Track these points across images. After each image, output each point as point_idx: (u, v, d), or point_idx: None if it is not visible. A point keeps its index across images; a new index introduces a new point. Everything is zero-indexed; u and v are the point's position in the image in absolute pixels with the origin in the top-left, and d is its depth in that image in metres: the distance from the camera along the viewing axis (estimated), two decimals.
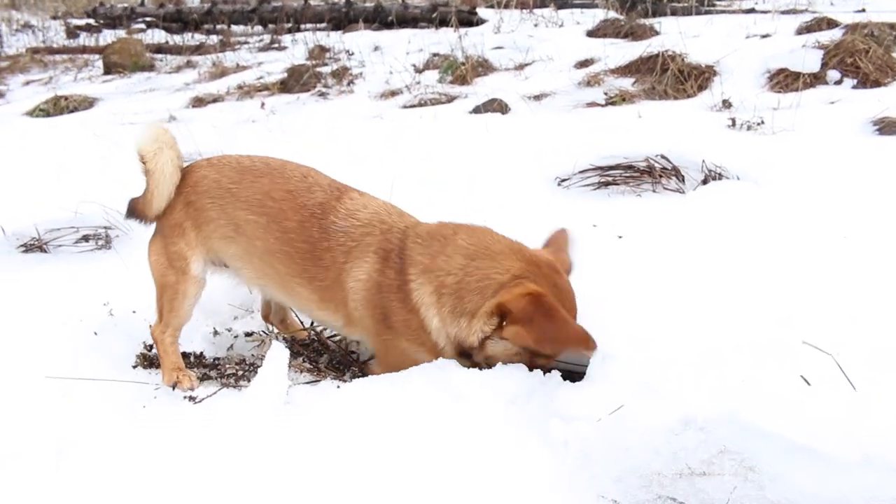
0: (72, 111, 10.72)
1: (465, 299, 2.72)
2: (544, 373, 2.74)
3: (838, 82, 7.09)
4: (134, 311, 3.86)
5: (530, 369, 2.72)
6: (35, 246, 4.87)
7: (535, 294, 2.60)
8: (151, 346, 3.51)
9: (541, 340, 2.61)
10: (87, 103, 11.01)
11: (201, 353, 3.50)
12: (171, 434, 2.67)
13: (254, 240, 3.06)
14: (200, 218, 3.15)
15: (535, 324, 2.57)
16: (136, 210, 3.28)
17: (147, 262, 3.32)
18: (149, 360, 3.42)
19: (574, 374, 2.78)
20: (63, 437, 2.69)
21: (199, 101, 10.42)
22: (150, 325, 3.35)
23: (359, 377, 2.97)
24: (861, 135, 5.56)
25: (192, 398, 3.00)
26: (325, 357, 3.33)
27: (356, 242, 2.93)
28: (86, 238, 4.97)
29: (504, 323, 2.65)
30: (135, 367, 3.39)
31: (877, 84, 6.91)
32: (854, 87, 6.97)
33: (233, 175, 3.17)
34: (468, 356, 2.82)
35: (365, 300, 2.89)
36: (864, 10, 10.67)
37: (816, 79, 7.20)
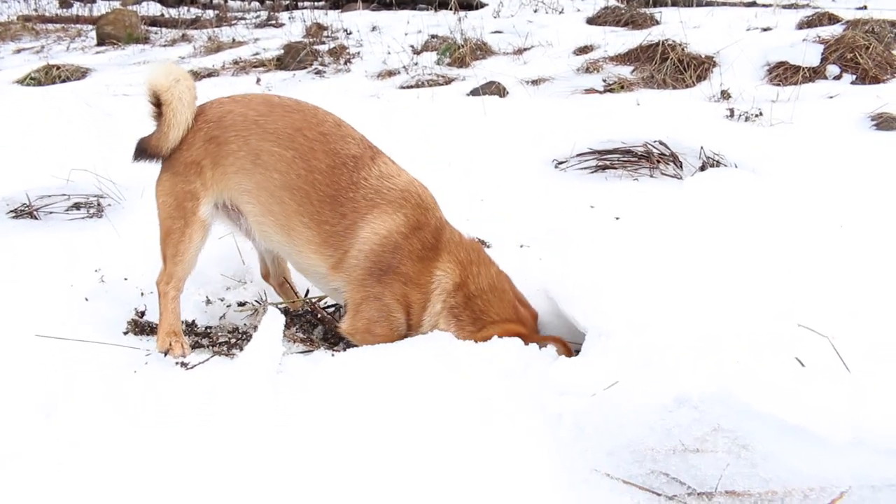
0: (64, 81, 10.61)
1: (466, 312, 3.05)
2: (540, 347, 2.77)
3: (837, 77, 7.11)
4: (126, 279, 3.84)
5: None
6: (25, 212, 4.82)
7: (518, 333, 3.01)
8: (143, 313, 3.50)
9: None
10: (79, 73, 10.90)
11: (193, 321, 3.48)
12: (161, 398, 2.66)
13: (272, 172, 3.06)
14: (220, 153, 3.10)
15: None
16: (147, 147, 3.19)
17: (154, 202, 3.25)
18: (140, 327, 3.40)
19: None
20: (52, 395, 2.67)
21: (194, 76, 10.33)
22: (155, 278, 3.30)
23: (353, 348, 2.96)
24: (858, 129, 5.58)
25: (183, 364, 2.99)
26: (319, 329, 3.32)
27: (387, 202, 3.03)
28: (77, 206, 4.93)
29: None
30: (126, 333, 3.38)
31: (876, 80, 6.93)
32: (853, 82, 6.99)
33: (261, 108, 3.15)
34: None
35: (372, 251, 2.98)
36: (865, 7, 10.68)
37: (816, 73, 7.22)
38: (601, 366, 2.61)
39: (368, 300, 3.00)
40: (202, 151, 3.11)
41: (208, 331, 3.41)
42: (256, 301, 3.68)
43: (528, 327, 3.10)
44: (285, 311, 3.48)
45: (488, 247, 4.11)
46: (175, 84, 3.07)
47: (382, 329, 3.03)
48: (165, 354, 3.10)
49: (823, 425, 2.27)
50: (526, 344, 2.90)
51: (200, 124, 3.14)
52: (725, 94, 6.99)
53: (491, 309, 3.05)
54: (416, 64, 9.55)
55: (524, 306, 3.22)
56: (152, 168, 3.29)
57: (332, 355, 2.85)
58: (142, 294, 3.72)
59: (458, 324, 3.03)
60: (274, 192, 3.07)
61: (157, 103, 3.11)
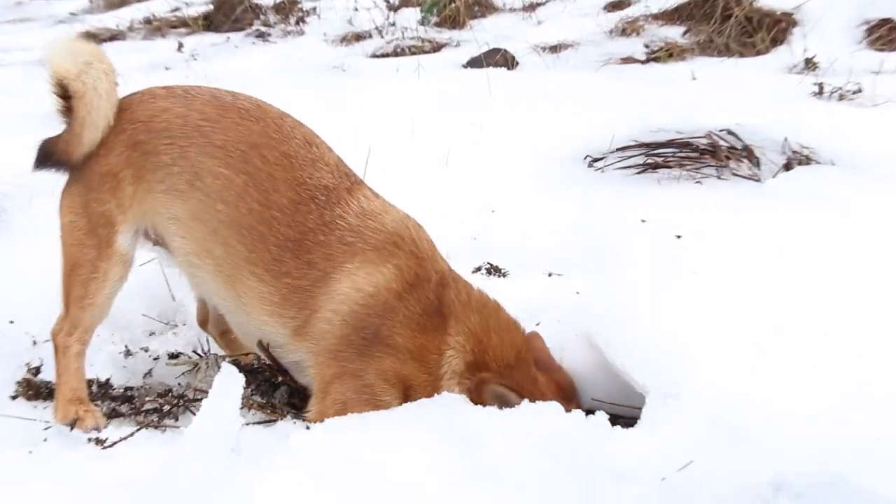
0: None
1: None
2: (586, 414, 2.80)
3: None
4: (11, 322, 3.82)
5: None
6: None
7: None
8: (38, 369, 3.48)
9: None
10: None
11: (107, 380, 3.47)
12: (68, 491, 2.64)
13: (215, 202, 3.05)
14: (146, 164, 3.09)
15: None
16: (54, 152, 3.16)
17: (59, 223, 3.21)
18: (34, 389, 3.38)
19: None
20: None
21: (90, 39, 10.34)
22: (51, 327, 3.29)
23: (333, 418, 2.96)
24: None
25: (98, 441, 2.97)
26: (282, 390, 3.32)
27: (372, 248, 3.04)
28: None
29: None
30: (14, 397, 3.36)
31: None
32: None
33: (208, 110, 3.14)
34: None
35: (353, 314, 2.97)
36: None
37: None
38: (669, 439, 2.63)
39: (343, 378, 2.99)
40: (122, 160, 3.10)
41: (129, 393, 3.39)
42: (197, 352, 3.67)
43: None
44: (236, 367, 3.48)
45: (504, 275, 4.14)
46: (87, 69, 3.04)
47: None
48: (72, 427, 3.08)
49: None
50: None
51: (124, 124, 3.13)
52: (811, 64, 7.11)
53: (521, 386, 3.03)
54: (392, 24, 9.65)
55: (552, 372, 3.25)
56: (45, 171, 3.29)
57: (307, 427, 2.84)
58: (34, 343, 3.69)
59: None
60: (216, 228, 3.06)
61: (65, 95, 3.09)
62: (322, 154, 3.20)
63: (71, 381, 3.19)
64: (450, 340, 3.05)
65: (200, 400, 3.23)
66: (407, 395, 3.02)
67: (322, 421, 2.91)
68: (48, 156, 3.18)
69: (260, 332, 3.17)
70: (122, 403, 3.32)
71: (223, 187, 3.04)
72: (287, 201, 3.04)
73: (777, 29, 8.03)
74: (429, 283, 3.07)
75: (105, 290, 3.18)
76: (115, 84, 3.14)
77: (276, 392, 3.35)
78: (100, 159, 3.12)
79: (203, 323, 3.70)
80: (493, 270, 4.20)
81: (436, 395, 2.98)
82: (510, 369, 3.04)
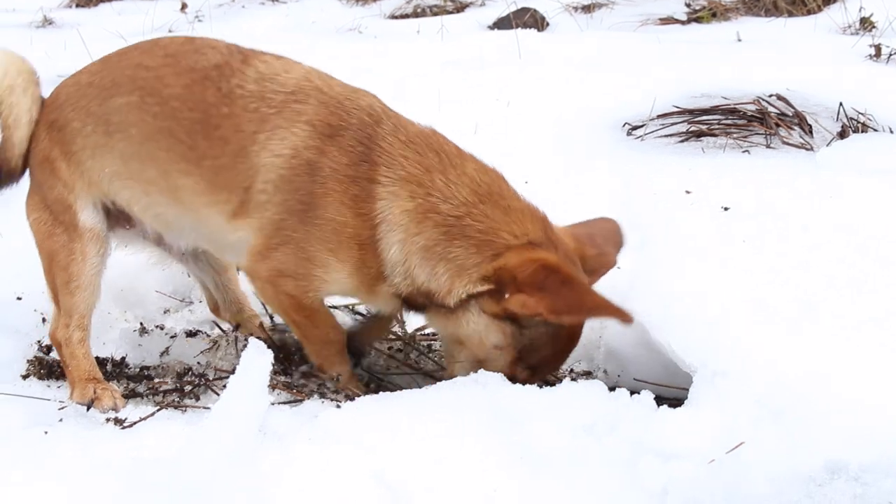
0: None
1: (455, 244, 2.98)
2: (610, 390, 2.86)
3: None
4: (19, 298, 3.93)
5: (510, 378, 2.94)
6: None
7: (550, 263, 2.89)
8: (49, 348, 3.59)
9: (557, 309, 2.84)
10: None
11: (122, 358, 3.58)
12: (89, 472, 2.72)
13: (128, 131, 3.23)
14: (66, 139, 3.32)
15: (549, 291, 2.84)
16: (1, 168, 3.44)
17: (29, 228, 3.47)
18: (47, 367, 3.49)
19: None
20: None
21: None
22: (48, 327, 3.44)
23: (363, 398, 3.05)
24: None
25: (117, 421, 3.07)
26: (305, 367, 3.40)
27: (276, 109, 3.11)
28: None
29: (502, 294, 2.92)
30: (26, 376, 3.46)
31: None
32: None
33: (93, 67, 3.42)
34: (416, 308, 3.15)
35: (283, 180, 3.06)
36: None
37: None
38: (718, 419, 2.69)
39: (287, 246, 3.09)
40: (48, 143, 3.37)
41: (146, 373, 3.50)
42: (219, 327, 3.76)
43: (561, 255, 2.99)
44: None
45: None
46: (12, 100, 3.35)
47: (294, 288, 3.13)
48: (89, 407, 3.19)
49: None
50: (560, 281, 2.82)
51: (42, 112, 3.42)
52: (867, 24, 7.11)
53: (498, 227, 2.95)
54: None
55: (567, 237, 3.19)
56: None
57: (338, 406, 2.93)
58: (43, 320, 3.81)
59: (450, 265, 2.96)
60: (141, 153, 3.23)
61: None
62: (206, 42, 3.36)
63: (81, 366, 3.33)
64: (381, 190, 3.02)
65: (221, 379, 3.34)
66: (360, 260, 3.05)
67: (252, 272, 3.19)
68: (2, 176, 3.47)
69: (212, 233, 3.29)
70: (139, 383, 3.43)
71: (126, 113, 3.23)
72: (181, 88, 3.18)
73: None
74: (349, 130, 3.08)
75: (86, 269, 3.34)
76: (36, 80, 3.45)
77: (297, 369, 3.42)
78: (34, 151, 3.41)
79: (215, 310, 3.82)
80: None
81: (380, 251, 3.02)
82: (473, 204, 2.98)
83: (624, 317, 2.85)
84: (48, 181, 3.36)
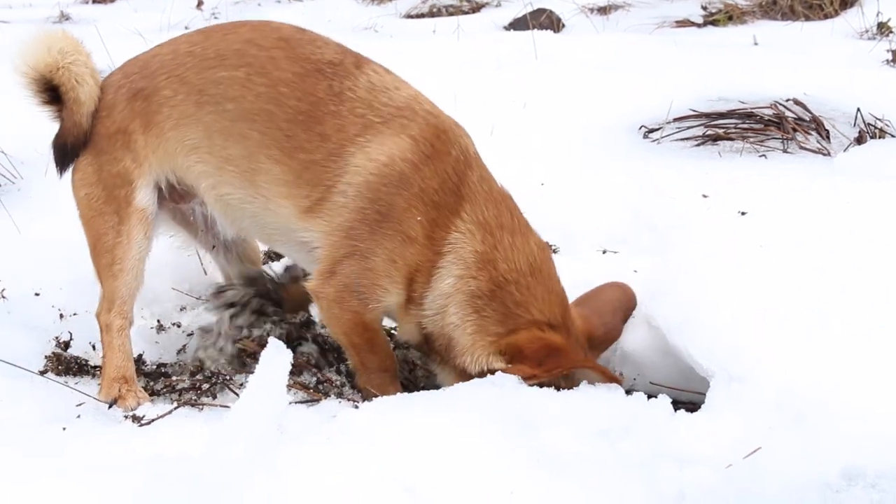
0: None
1: (492, 305, 3.13)
2: (627, 393, 2.88)
3: None
4: (37, 294, 3.95)
5: None
6: None
7: (555, 344, 3.08)
8: (67, 344, 3.60)
9: (549, 369, 3.03)
10: None
11: (140, 355, 3.59)
12: (108, 468, 2.74)
13: (223, 105, 3.24)
14: (151, 107, 3.30)
15: (546, 365, 3.05)
16: (66, 136, 3.38)
17: (74, 198, 3.43)
18: (64, 364, 3.50)
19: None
20: None
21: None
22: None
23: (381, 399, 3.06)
24: None
25: (136, 419, 3.09)
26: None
27: (383, 119, 3.16)
28: None
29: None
30: (43, 372, 3.47)
31: None
32: None
33: (194, 38, 3.42)
34: (430, 354, 3.32)
35: (367, 186, 3.09)
36: None
37: None
38: (735, 425, 2.71)
39: (353, 258, 3.12)
40: (127, 114, 3.32)
41: (163, 370, 3.52)
42: None
43: (571, 339, 3.16)
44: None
45: (555, 252, 4.21)
46: (69, 60, 3.32)
47: (358, 304, 3.16)
48: (111, 406, 3.21)
49: None
50: (553, 362, 2.99)
51: (121, 80, 3.39)
52: (884, 28, 7.10)
53: (532, 302, 3.12)
54: None
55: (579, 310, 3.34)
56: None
57: (356, 406, 2.95)
58: (60, 316, 3.83)
59: (480, 321, 3.12)
60: (229, 130, 3.24)
61: (46, 88, 3.37)
62: (318, 36, 3.37)
63: (115, 359, 3.33)
64: (460, 224, 3.12)
65: (234, 378, 3.36)
66: (411, 279, 3.14)
67: (320, 294, 3.19)
68: (64, 146, 3.41)
69: (275, 223, 3.31)
70: (156, 380, 3.45)
71: (227, 87, 3.24)
72: (292, 75, 3.20)
73: None
74: (448, 157, 3.16)
75: (131, 252, 3.34)
76: (83, 46, 3.44)
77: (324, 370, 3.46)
78: (104, 121, 3.36)
79: None
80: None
81: (433, 278, 3.12)
82: (522, 275, 3.12)
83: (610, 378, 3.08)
84: (115, 154, 3.32)
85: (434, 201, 3.09)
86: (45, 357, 3.54)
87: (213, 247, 3.72)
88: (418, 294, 3.16)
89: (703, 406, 2.87)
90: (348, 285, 3.12)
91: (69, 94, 3.33)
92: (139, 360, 3.56)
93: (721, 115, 5.32)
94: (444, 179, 3.12)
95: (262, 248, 4.10)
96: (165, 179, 3.37)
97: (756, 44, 7.11)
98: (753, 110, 5.27)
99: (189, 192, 3.43)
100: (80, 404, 3.26)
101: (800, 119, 5.16)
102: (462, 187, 3.14)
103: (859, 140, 4.95)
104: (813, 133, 5.06)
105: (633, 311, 3.53)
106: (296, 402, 3.16)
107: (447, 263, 3.12)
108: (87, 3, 10.36)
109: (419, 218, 3.08)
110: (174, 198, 3.48)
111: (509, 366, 3.04)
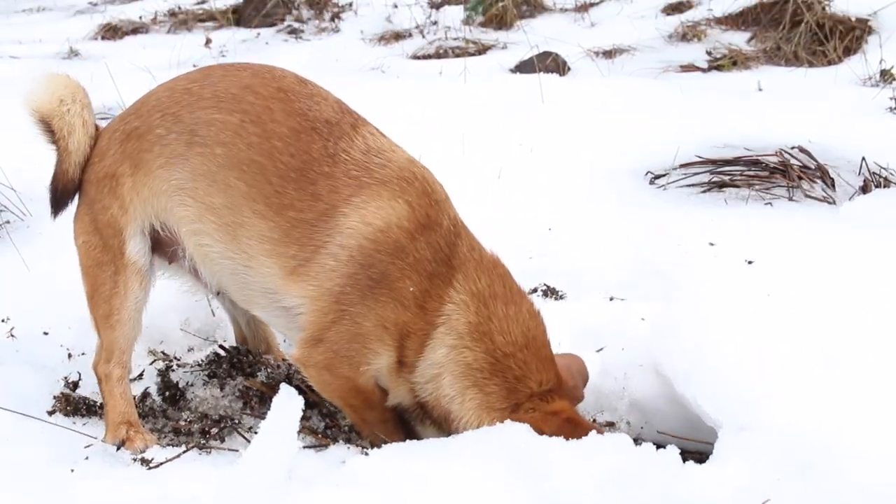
0: None
1: (493, 380, 3.11)
2: (634, 442, 2.90)
3: None
4: (46, 333, 3.95)
5: None
6: None
7: (572, 418, 3.10)
8: (76, 384, 3.61)
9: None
10: None
11: (145, 393, 3.60)
12: None
13: (213, 148, 3.19)
14: (143, 147, 3.26)
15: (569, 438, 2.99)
16: (60, 181, 3.41)
17: (76, 249, 3.43)
18: (72, 404, 3.50)
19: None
20: None
21: (111, 31, 10.57)
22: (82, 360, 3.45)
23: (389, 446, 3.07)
24: None
25: (144, 461, 3.09)
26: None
27: (378, 182, 3.13)
28: None
29: None
30: (52, 412, 3.47)
31: None
32: None
33: (193, 76, 3.40)
34: (424, 420, 3.25)
35: (361, 251, 3.05)
36: None
37: None
38: (743, 475, 2.71)
39: (342, 323, 3.08)
40: (118, 157, 3.31)
41: (168, 411, 3.53)
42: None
43: (565, 394, 3.18)
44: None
45: (561, 298, 4.23)
46: (63, 110, 3.34)
47: (349, 369, 3.13)
48: (119, 448, 3.22)
49: None
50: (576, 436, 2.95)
51: (117, 125, 3.39)
52: (887, 76, 7.16)
53: (530, 375, 3.11)
54: (434, 23, 9.78)
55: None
56: None
57: (365, 453, 2.95)
58: (69, 355, 3.84)
59: (484, 397, 3.09)
60: (216, 175, 3.18)
61: (50, 129, 3.38)
62: (318, 90, 3.34)
63: (118, 406, 3.33)
64: (453, 295, 3.11)
65: (242, 422, 3.37)
66: (402, 343, 3.11)
67: (306, 362, 3.14)
68: (59, 191, 3.43)
69: (257, 283, 3.23)
70: (162, 421, 3.46)
71: (219, 130, 3.19)
72: (287, 130, 3.16)
73: (851, 36, 8.09)
74: (440, 229, 3.15)
75: (128, 303, 3.33)
76: (83, 92, 3.44)
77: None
78: (96, 167, 3.36)
79: (243, 343, 3.84)
80: (550, 292, 4.28)
81: (426, 347, 3.10)
82: (519, 347, 3.11)
83: None
84: (104, 200, 3.31)
85: (427, 272, 3.09)
86: (54, 397, 3.54)
87: (218, 292, 3.66)
88: (410, 360, 3.13)
89: (711, 456, 2.87)
90: (338, 351, 3.09)
91: (60, 142, 3.36)
92: (144, 399, 3.57)
93: (727, 162, 5.35)
94: (437, 250, 3.12)
95: None
96: (150, 225, 3.32)
97: (760, 90, 7.17)
98: (759, 157, 5.30)
99: (173, 238, 3.35)
100: (88, 445, 3.26)
101: (805, 167, 5.19)
102: (453, 259, 3.14)
103: (864, 189, 4.98)
104: (818, 181, 5.09)
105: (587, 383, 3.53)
106: (304, 447, 3.16)
107: (440, 334, 3.10)
108: (96, 39, 10.44)
109: (412, 289, 3.06)
110: (160, 246, 3.42)
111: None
